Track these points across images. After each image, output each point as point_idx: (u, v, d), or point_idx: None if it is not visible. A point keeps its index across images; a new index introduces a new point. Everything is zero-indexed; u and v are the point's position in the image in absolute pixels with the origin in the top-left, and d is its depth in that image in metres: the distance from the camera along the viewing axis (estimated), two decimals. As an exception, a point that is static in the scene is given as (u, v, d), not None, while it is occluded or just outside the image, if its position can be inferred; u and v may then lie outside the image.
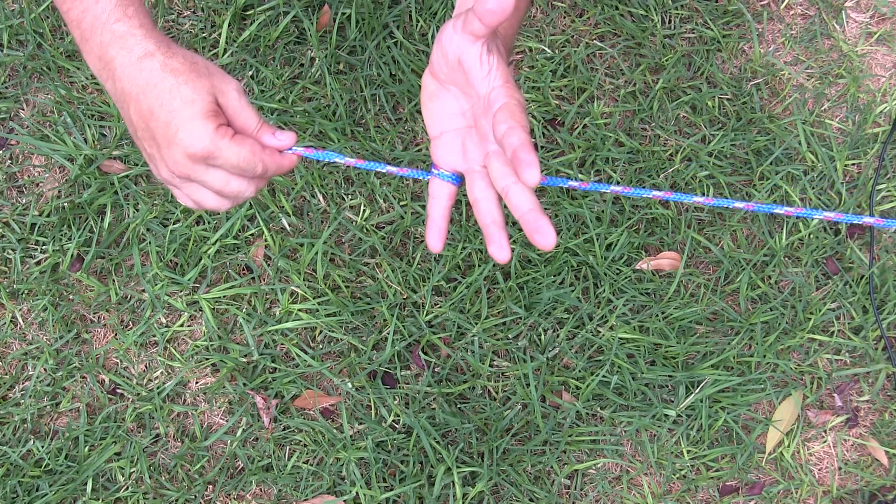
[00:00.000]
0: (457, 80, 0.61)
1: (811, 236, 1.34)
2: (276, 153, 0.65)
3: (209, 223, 1.31)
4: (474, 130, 0.63)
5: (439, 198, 0.65)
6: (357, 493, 1.24)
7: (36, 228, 1.32)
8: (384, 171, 0.68)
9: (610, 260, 1.30)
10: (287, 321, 1.28)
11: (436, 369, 1.29)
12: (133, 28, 0.62)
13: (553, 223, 0.56)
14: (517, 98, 0.58)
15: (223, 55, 1.36)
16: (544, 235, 0.56)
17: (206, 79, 0.62)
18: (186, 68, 0.61)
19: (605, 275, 1.30)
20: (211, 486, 1.27)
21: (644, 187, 1.34)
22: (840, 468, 1.31)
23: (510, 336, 1.29)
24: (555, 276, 1.30)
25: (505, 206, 0.61)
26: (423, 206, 1.32)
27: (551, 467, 1.27)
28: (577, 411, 1.28)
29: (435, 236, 0.64)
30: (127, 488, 1.26)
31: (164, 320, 1.30)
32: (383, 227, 1.32)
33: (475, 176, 0.63)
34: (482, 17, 0.55)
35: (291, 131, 0.66)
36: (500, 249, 0.59)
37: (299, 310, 1.29)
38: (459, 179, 0.65)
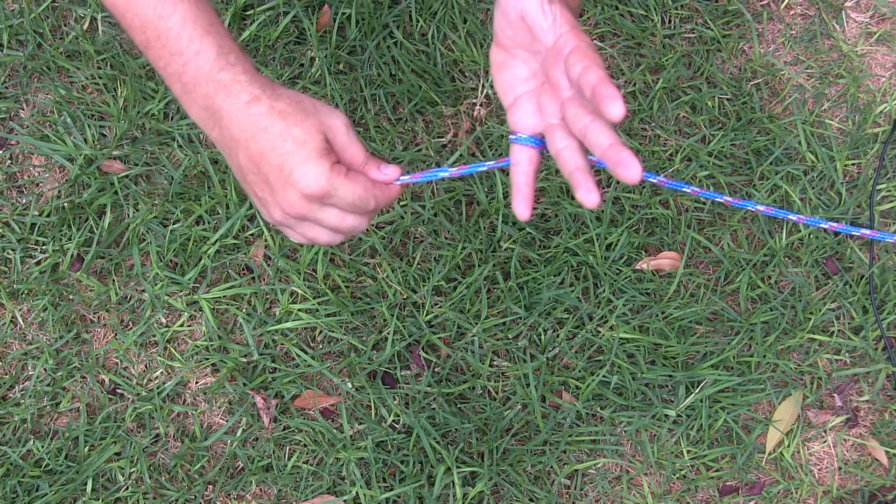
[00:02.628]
0: (522, 40, 0.62)
1: (811, 236, 1.34)
2: (385, 186, 0.66)
3: (209, 223, 1.31)
4: (547, 86, 0.63)
5: (521, 164, 0.64)
6: (357, 493, 1.24)
7: (36, 228, 1.32)
8: (486, 169, 0.69)
9: (610, 260, 1.30)
10: (287, 321, 1.29)
11: (436, 369, 1.29)
12: (237, 75, 0.62)
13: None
14: (586, 41, 0.58)
15: (223, 55, 1.35)
16: (628, 167, 0.54)
17: (314, 118, 0.62)
18: (293, 109, 0.62)
19: (605, 275, 1.30)
20: (211, 486, 1.27)
21: (643, 186, 1.34)
22: (840, 468, 1.31)
23: (510, 336, 1.29)
24: (555, 276, 1.30)
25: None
26: (423, 207, 1.32)
27: (551, 467, 1.27)
28: (577, 411, 1.28)
29: (521, 203, 0.63)
30: (127, 488, 1.26)
31: (164, 320, 1.30)
32: (383, 227, 1.32)
33: (554, 129, 0.62)
34: None
35: (397, 165, 0.67)
36: (587, 193, 0.57)
37: (299, 310, 1.29)
38: (540, 141, 0.65)
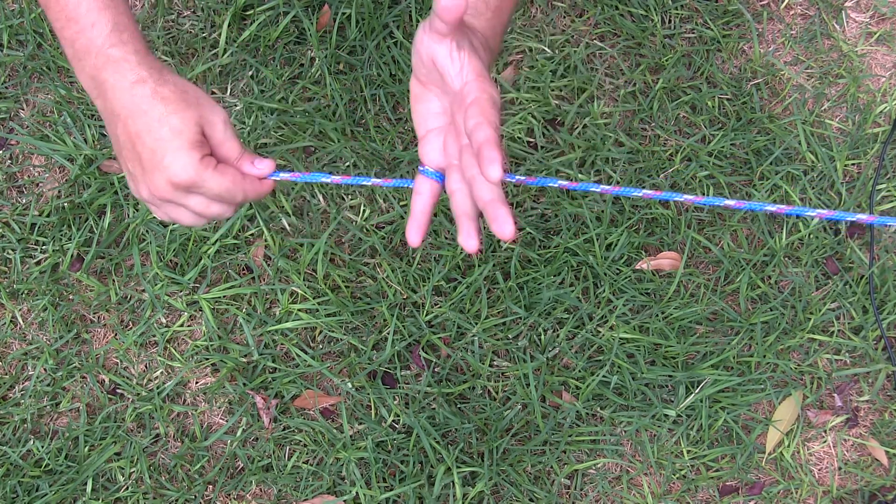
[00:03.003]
0: (435, 79, 0.64)
1: (811, 236, 1.34)
2: (257, 180, 0.68)
3: (209, 223, 1.31)
4: (452, 127, 0.65)
5: (422, 194, 0.68)
6: (357, 493, 1.24)
7: (36, 228, 1.32)
8: (369, 184, 0.70)
9: (610, 260, 1.30)
10: (287, 321, 1.29)
11: (436, 369, 1.29)
12: (127, 54, 0.64)
13: (515, 218, 0.58)
14: (489, 92, 0.60)
15: (223, 55, 1.36)
16: (501, 224, 0.57)
17: (195, 109, 0.64)
18: (176, 97, 0.63)
19: (605, 275, 1.30)
20: (211, 486, 1.27)
21: (643, 187, 1.34)
22: (840, 468, 1.31)
23: (510, 336, 1.29)
24: (555, 276, 1.30)
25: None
26: (423, 206, 1.32)
27: (551, 467, 1.27)
28: (577, 411, 1.28)
29: (414, 230, 0.67)
30: (127, 488, 1.26)
31: (164, 320, 1.30)
32: (383, 227, 1.32)
33: (452, 169, 0.65)
34: (441, 14, 0.57)
35: (271, 159, 0.69)
36: (468, 238, 0.62)
37: (299, 310, 1.29)
38: (442, 177, 0.67)
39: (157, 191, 0.64)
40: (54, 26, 0.66)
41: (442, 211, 1.32)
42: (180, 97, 0.64)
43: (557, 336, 1.29)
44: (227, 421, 1.28)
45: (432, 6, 0.57)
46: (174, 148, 0.63)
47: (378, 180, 0.71)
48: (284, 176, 0.69)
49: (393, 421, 1.27)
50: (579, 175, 1.34)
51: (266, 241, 1.30)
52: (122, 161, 0.67)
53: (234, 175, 0.66)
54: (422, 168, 0.67)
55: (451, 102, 0.64)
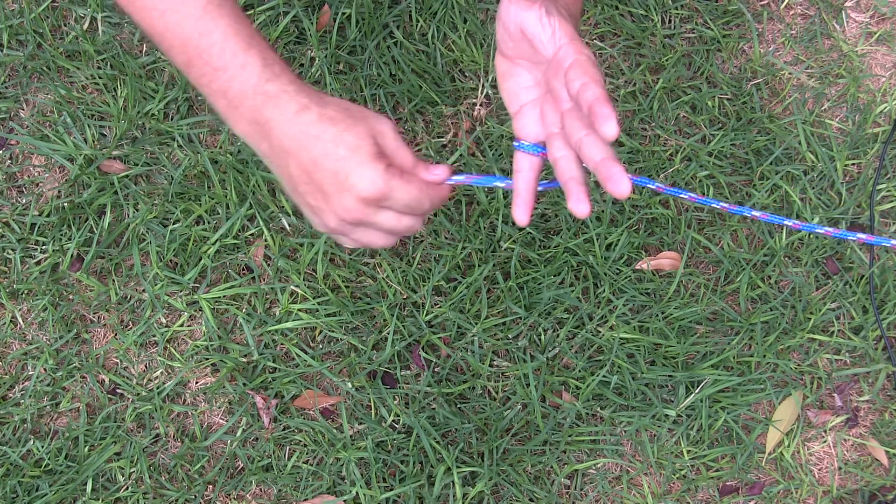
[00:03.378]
0: (524, 51, 0.63)
1: (811, 236, 1.34)
2: (437, 186, 0.66)
3: (209, 223, 1.31)
4: (549, 96, 0.64)
5: (523, 171, 0.66)
6: (357, 493, 1.24)
7: (36, 228, 1.32)
8: (540, 189, 0.70)
9: (610, 260, 1.30)
10: (287, 321, 1.29)
11: (436, 369, 1.29)
12: (284, 85, 0.62)
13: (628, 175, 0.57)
14: (586, 53, 0.59)
15: (223, 55, 1.35)
16: (617, 183, 0.56)
17: (364, 123, 0.62)
18: (343, 115, 0.61)
19: (605, 275, 1.30)
20: (211, 486, 1.27)
21: (644, 187, 1.34)
22: (840, 468, 1.31)
23: (510, 336, 1.29)
24: (555, 276, 1.30)
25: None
26: (423, 206, 1.32)
27: (551, 467, 1.27)
28: (577, 411, 1.28)
29: (521, 209, 0.65)
30: (127, 488, 1.26)
31: (164, 320, 1.30)
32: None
33: (554, 138, 0.64)
34: None
35: (446, 165, 0.67)
36: (578, 203, 0.59)
37: (299, 310, 1.29)
38: (542, 149, 0.66)
39: (347, 213, 0.62)
40: (201, 84, 0.64)
41: (442, 211, 1.32)
42: (346, 114, 0.62)
43: (557, 336, 1.29)
44: (227, 421, 1.28)
45: None
46: (357, 163, 0.60)
47: (547, 182, 0.69)
48: (460, 179, 0.67)
49: (393, 421, 1.27)
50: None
51: (266, 241, 1.30)
52: (302, 200, 0.64)
53: (419, 182, 0.63)
54: (518, 143, 0.66)
55: (544, 71, 0.63)
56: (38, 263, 1.32)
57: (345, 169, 0.60)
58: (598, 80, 0.57)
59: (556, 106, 0.63)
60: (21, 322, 1.31)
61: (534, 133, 0.65)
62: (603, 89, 0.57)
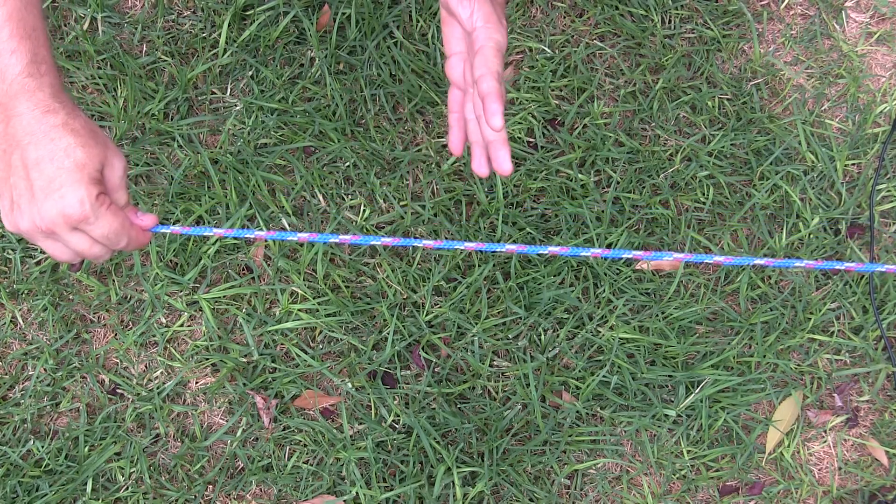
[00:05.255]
0: (454, 13, 0.68)
1: (811, 236, 1.34)
2: (140, 230, 0.69)
3: (209, 223, 1.31)
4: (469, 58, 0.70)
5: (454, 112, 0.73)
6: (357, 493, 1.24)
7: (36, 228, 1.32)
8: (252, 236, 0.74)
9: (610, 260, 1.30)
10: (287, 321, 1.29)
11: (436, 369, 1.29)
12: (43, 86, 0.64)
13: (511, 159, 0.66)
14: (495, 39, 0.64)
15: (223, 55, 1.36)
16: (500, 163, 0.65)
17: (102, 148, 0.65)
18: (85, 132, 0.64)
19: (605, 275, 1.30)
20: (211, 486, 1.27)
21: (643, 187, 1.34)
22: (840, 468, 1.31)
23: (510, 336, 1.29)
24: (555, 276, 1.30)
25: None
26: (423, 207, 1.32)
27: (551, 467, 1.27)
28: (577, 411, 1.28)
29: (455, 139, 0.73)
30: (127, 488, 1.26)
31: (164, 320, 1.30)
32: (383, 227, 1.32)
33: (468, 98, 0.71)
34: None
35: (153, 214, 0.70)
36: (479, 167, 0.69)
37: (299, 310, 1.29)
38: None
39: (44, 222, 0.63)
40: None
41: (442, 211, 1.32)
42: (90, 133, 0.64)
43: (557, 336, 1.29)
44: (227, 421, 1.28)
45: None
46: (75, 180, 0.62)
47: (262, 232, 0.73)
48: (164, 228, 0.70)
49: (393, 421, 1.27)
50: (579, 175, 1.34)
51: (266, 240, 1.30)
52: (7, 190, 0.65)
53: (123, 219, 0.66)
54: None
55: (467, 40, 0.68)
56: (38, 263, 1.32)
57: (62, 180, 0.62)
58: (495, 73, 0.63)
59: (471, 71, 0.68)
60: (21, 322, 1.31)
61: (457, 80, 0.71)
62: (498, 82, 0.63)
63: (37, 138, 0.63)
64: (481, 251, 0.80)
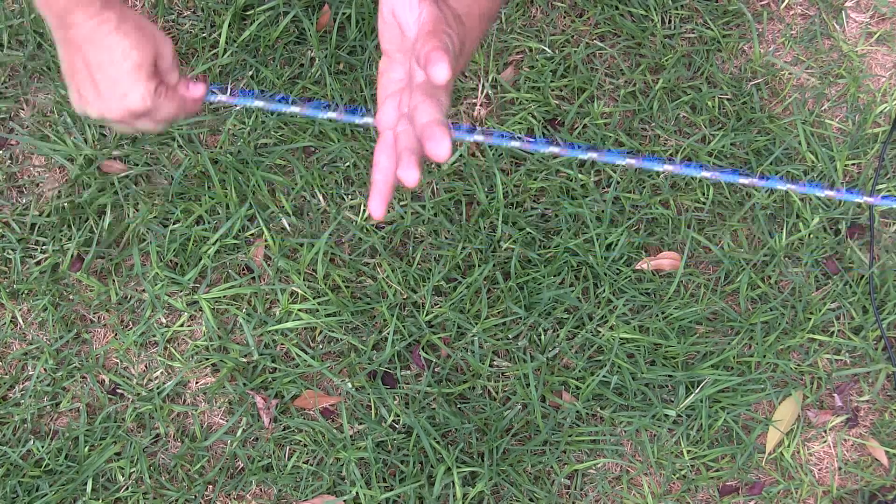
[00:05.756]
0: (395, 38, 0.64)
1: (811, 236, 1.34)
2: (192, 101, 0.76)
3: (209, 223, 1.31)
4: (409, 81, 0.66)
5: (381, 163, 0.65)
6: (357, 493, 1.24)
7: (36, 228, 1.32)
8: (332, 116, 0.75)
9: (610, 260, 1.30)
10: (287, 321, 1.29)
11: (436, 369, 1.29)
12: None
13: (452, 138, 0.57)
14: (441, 27, 0.59)
15: (223, 55, 1.36)
16: (437, 143, 0.55)
17: (151, 42, 0.71)
18: (136, 34, 0.70)
19: (605, 275, 1.30)
20: (211, 486, 1.27)
21: (643, 187, 1.34)
22: (840, 468, 1.31)
23: (510, 336, 1.29)
24: (555, 276, 1.30)
25: None
26: (423, 207, 1.32)
27: (551, 467, 1.27)
28: (577, 411, 1.28)
29: (376, 201, 0.64)
30: (127, 488, 1.26)
31: (164, 320, 1.30)
32: (383, 227, 1.32)
33: (402, 118, 0.66)
34: None
35: (203, 83, 0.76)
36: (406, 170, 0.59)
37: (299, 310, 1.29)
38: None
39: (112, 114, 0.70)
40: None
41: (442, 211, 1.32)
42: (140, 32, 0.70)
43: (557, 336, 1.29)
44: (227, 421, 1.28)
45: None
46: (135, 80, 0.69)
47: (333, 114, 0.75)
48: (215, 97, 0.76)
49: (393, 421, 1.27)
50: (579, 175, 1.34)
51: (266, 241, 1.30)
52: (75, 84, 0.72)
53: (179, 101, 0.73)
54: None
55: (409, 56, 0.63)
56: (38, 263, 1.32)
57: (124, 81, 0.69)
58: (441, 41, 0.57)
59: (410, 88, 0.64)
60: (21, 322, 1.31)
61: (390, 120, 0.66)
62: (442, 44, 0.56)
63: (95, 44, 0.68)
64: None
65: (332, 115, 0.75)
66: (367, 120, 0.73)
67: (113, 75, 0.69)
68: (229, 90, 0.76)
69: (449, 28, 0.60)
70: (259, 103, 0.76)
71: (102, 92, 0.70)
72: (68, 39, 0.70)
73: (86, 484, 1.25)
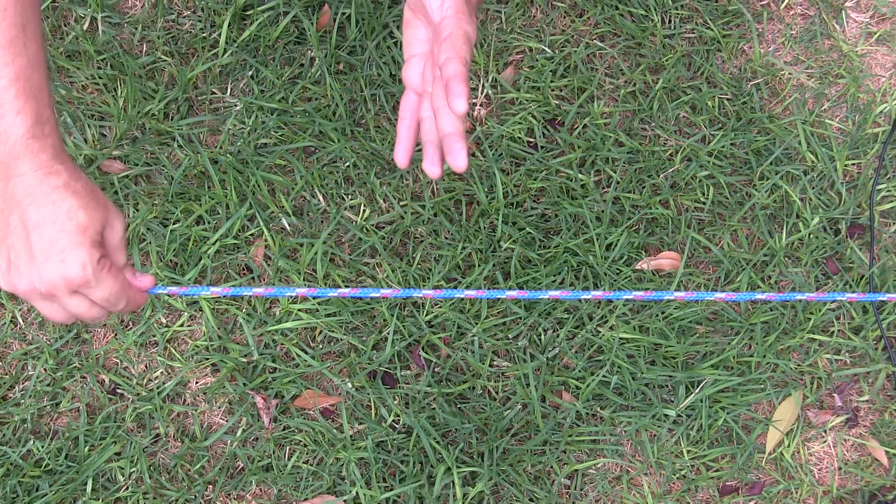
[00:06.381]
0: (421, 8, 0.65)
1: (811, 236, 1.34)
2: (138, 291, 0.69)
3: (209, 223, 1.31)
4: (431, 55, 0.66)
5: (405, 118, 0.68)
6: (357, 493, 1.24)
7: (36, 228, 1.32)
8: (249, 294, 0.72)
9: (610, 260, 1.30)
10: (287, 321, 1.29)
11: (436, 369, 1.29)
12: (46, 147, 0.63)
13: (469, 152, 0.61)
14: (464, 28, 0.61)
15: (223, 55, 1.36)
16: (455, 157, 0.59)
17: (102, 210, 0.64)
18: (87, 194, 0.63)
19: (605, 275, 1.30)
20: (211, 486, 1.27)
21: (643, 187, 1.34)
22: (840, 468, 1.31)
23: (510, 336, 1.29)
24: (555, 276, 1.30)
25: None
26: (423, 207, 1.32)
27: (551, 467, 1.27)
28: (577, 411, 1.28)
29: (402, 153, 0.67)
30: (127, 488, 1.26)
31: (164, 320, 1.30)
32: (383, 227, 1.32)
33: (425, 97, 0.67)
34: None
35: (150, 274, 0.71)
36: (431, 165, 0.63)
37: (299, 310, 1.29)
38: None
39: (43, 284, 0.62)
40: None
41: (442, 211, 1.32)
42: (91, 195, 0.64)
43: (557, 336, 1.29)
44: (227, 421, 1.28)
45: None
46: (77, 243, 0.62)
47: (260, 290, 0.73)
48: (161, 290, 0.70)
49: (393, 421, 1.27)
50: (579, 175, 1.34)
51: (266, 241, 1.30)
52: (4, 247, 0.64)
53: (123, 281, 0.66)
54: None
55: (432, 33, 0.65)
56: (38, 263, 1.31)
57: (63, 244, 0.61)
58: (463, 58, 0.60)
59: (433, 68, 0.65)
60: (21, 322, 1.31)
61: (415, 83, 0.68)
62: (464, 66, 0.59)
63: (38, 200, 0.62)
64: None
65: (337, 292, 0.73)
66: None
67: (52, 236, 0.61)
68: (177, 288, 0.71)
69: (469, 24, 0.62)
70: (215, 290, 0.71)
71: (36, 255, 0.61)
72: (7, 195, 0.62)
73: (86, 484, 1.25)
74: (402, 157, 0.66)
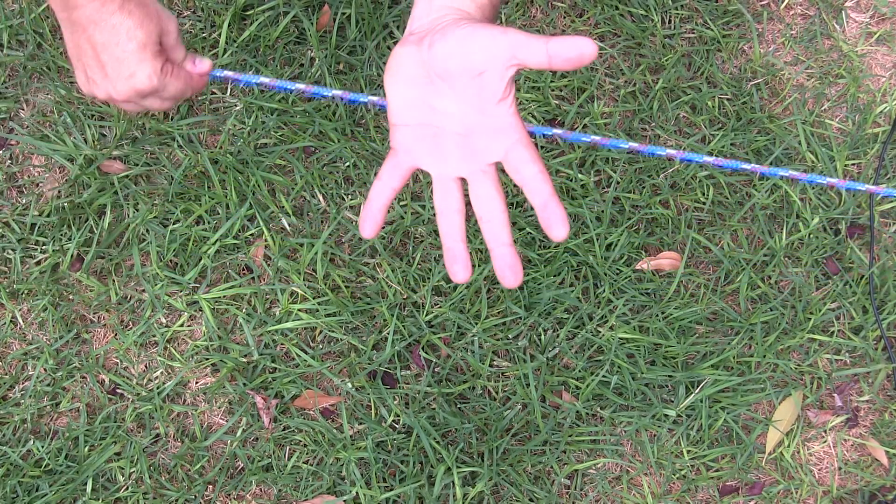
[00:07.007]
0: (454, 80, 0.57)
1: (811, 236, 1.34)
2: (198, 77, 0.77)
3: (209, 223, 1.31)
4: (460, 139, 0.60)
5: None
6: (357, 493, 1.24)
7: (36, 228, 1.32)
8: (341, 100, 0.76)
9: (610, 260, 1.30)
10: (287, 321, 1.29)
11: (436, 369, 1.29)
12: None
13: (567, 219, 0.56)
14: (523, 132, 0.58)
15: (223, 55, 1.36)
16: (555, 227, 0.56)
17: (156, 20, 0.71)
18: (140, 11, 0.70)
19: (605, 275, 1.30)
20: (211, 486, 1.27)
21: (643, 187, 1.34)
22: (840, 468, 1.31)
23: (510, 336, 1.29)
24: (555, 276, 1.30)
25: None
26: (423, 207, 1.32)
27: (551, 467, 1.27)
28: (577, 411, 1.28)
29: (368, 223, 0.64)
30: (127, 488, 1.26)
31: (164, 320, 1.30)
32: (383, 227, 1.32)
33: (448, 184, 0.62)
34: (554, 60, 0.53)
35: (208, 59, 0.77)
36: (513, 272, 0.59)
37: (299, 310, 1.29)
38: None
39: (119, 95, 0.71)
40: None
41: (442, 211, 1.32)
42: (143, 10, 0.70)
43: (557, 336, 1.29)
44: (227, 421, 1.28)
45: (547, 40, 0.53)
46: (141, 59, 0.69)
47: (338, 92, 0.76)
48: (221, 74, 0.77)
49: (393, 421, 1.27)
50: (579, 175, 1.34)
51: (266, 241, 1.30)
52: (81, 66, 0.72)
53: (186, 78, 0.74)
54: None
55: (460, 110, 0.59)
56: (38, 263, 1.32)
57: (130, 61, 0.69)
58: (546, 174, 0.56)
59: (470, 156, 0.61)
60: (21, 322, 1.31)
61: (424, 161, 0.64)
62: (551, 184, 0.56)
63: (100, 25, 0.68)
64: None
65: (336, 92, 0.76)
66: (372, 99, 0.76)
67: (118, 56, 0.69)
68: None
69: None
70: (265, 80, 0.76)
71: (109, 73, 0.70)
72: (73, 21, 0.69)
73: (86, 484, 1.25)
74: (462, 272, 0.61)
